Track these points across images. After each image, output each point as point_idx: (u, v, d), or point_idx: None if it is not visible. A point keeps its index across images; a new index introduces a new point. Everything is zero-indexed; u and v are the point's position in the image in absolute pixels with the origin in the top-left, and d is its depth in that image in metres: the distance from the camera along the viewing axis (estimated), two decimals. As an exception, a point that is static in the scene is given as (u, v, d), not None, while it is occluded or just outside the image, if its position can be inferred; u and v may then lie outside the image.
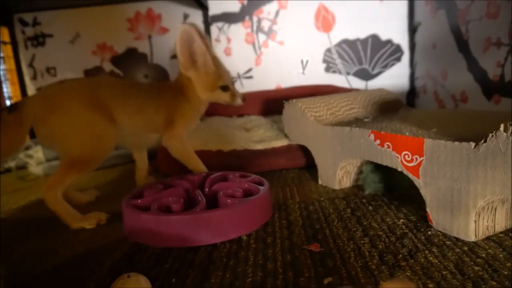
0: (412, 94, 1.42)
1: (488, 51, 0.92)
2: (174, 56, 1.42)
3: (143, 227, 0.53)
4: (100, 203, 0.78)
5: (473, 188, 0.43)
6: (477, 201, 0.43)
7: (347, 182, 0.73)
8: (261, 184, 0.63)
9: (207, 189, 0.64)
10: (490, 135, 0.40)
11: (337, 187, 0.72)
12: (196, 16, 1.39)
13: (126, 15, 1.40)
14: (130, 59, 1.43)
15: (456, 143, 0.44)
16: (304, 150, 0.88)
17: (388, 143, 0.56)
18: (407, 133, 0.53)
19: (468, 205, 0.44)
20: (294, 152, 0.91)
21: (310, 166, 0.90)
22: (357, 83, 1.43)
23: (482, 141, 0.41)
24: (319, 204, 0.64)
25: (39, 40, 1.43)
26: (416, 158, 0.50)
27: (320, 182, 0.78)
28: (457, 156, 0.44)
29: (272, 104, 1.24)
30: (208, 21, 1.38)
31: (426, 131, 0.54)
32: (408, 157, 0.52)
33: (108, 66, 1.44)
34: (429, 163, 0.48)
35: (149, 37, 1.41)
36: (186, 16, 1.39)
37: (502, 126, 0.38)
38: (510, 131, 0.38)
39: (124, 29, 1.41)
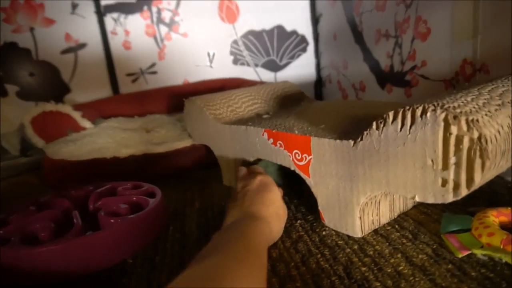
0: (319, 83, 1.46)
1: (379, 42, 0.96)
2: (65, 51, 1.27)
3: (4, 264, 0.44)
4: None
5: (355, 186, 0.43)
6: (360, 198, 0.43)
7: (250, 181, 0.71)
8: (154, 195, 0.57)
9: (91, 207, 0.57)
10: (365, 132, 0.39)
11: (240, 187, 0.69)
12: (87, 6, 1.24)
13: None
14: (9, 55, 1.24)
15: (338, 141, 0.43)
16: (209, 150, 0.84)
17: (280, 141, 0.54)
18: (296, 131, 0.51)
19: (353, 203, 0.44)
20: (199, 152, 0.86)
21: (216, 166, 0.86)
22: (266, 75, 1.42)
23: (359, 139, 0.40)
24: (218, 210, 0.60)
25: None
26: (306, 157, 0.49)
27: (224, 182, 0.74)
28: (339, 154, 0.44)
29: (178, 100, 1.16)
30: (101, 12, 1.25)
31: (315, 127, 0.53)
32: (298, 155, 0.50)
33: (-18, 65, 1.23)
34: (317, 162, 0.47)
35: (31, 29, 1.23)
36: (75, 6, 1.23)
37: (374, 123, 0.38)
38: (381, 129, 0.37)
39: (-1, 21, 1.21)
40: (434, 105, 0.34)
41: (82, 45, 1.27)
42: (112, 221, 0.49)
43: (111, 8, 1.26)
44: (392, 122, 0.36)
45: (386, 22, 0.91)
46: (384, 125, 0.37)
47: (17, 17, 1.21)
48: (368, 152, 0.40)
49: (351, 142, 0.42)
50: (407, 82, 0.86)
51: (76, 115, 0.91)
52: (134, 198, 0.56)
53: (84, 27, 1.26)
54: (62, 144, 0.85)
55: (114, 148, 0.82)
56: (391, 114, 0.37)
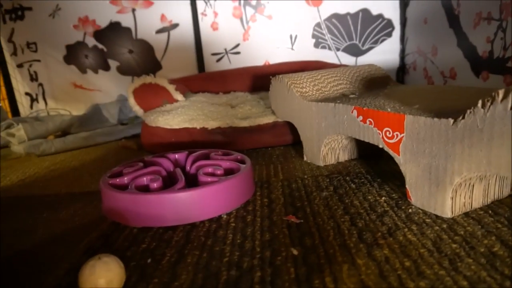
0: (402, 70, 1.40)
1: (478, 26, 0.90)
2: (159, 31, 1.38)
3: (121, 207, 0.52)
4: (83, 180, 0.77)
5: (450, 165, 0.43)
6: (454, 178, 0.42)
7: (332, 159, 0.73)
8: (243, 162, 0.62)
9: (188, 168, 0.63)
10: (468, 111, 0.39)
11: (321, 163, 0.72)
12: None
13: (108, -13, 1.34)
14: (113, 33, 1.39)
15: (435, 119, 0.43)
16: (291, 127, 0.87)
17: (370, 119, 0.55)
18: (389, 109, 0.51)
19: (445, 182, 0.44)
20: (280, 129, 0.90)
21: (296, 143, 0.89)
22: (347, 59, 1.40)
23: (460, 117, 0.40)
24: (302, 182, 0.63)
25: (17, 13, 1.37)
26: (397, 135, 0.50)
27: (305, 159, 0.77)
28: (436, 133, 0.43)
29: (260, 80, 1.22)
30: (193, -5, 1.34)
31: (408, 107, 0.53)
32: (389, 133, 0.51)
33: (91, 41, 1.39)
34: (409, 140, 0.48)
35: (133, 10, 1.36)
36: (170, -12, 1.33)
37: (479, 102, 0.37)
38: (488, 107, 0.37)
39: (106, 2, 1.36)
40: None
41: (175, 25, 1.37)
42: (209, 179, 0.54)
43: (203, -10, 1.34)
44: (502, 100, 0.36)
45: (489, 4, 0.85)
46: (491, 103, 0.37)
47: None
48: (469, 131, 0.39)
49: (451, 120, 0.41)
50: (509, 69, 0.79)
51: (171, 88, 0.99)
52: (228, 163, 0.61)
53: (178, 9, 1.35)
54: (158, 113, 0.94)
55: (203, 120, 0.89)
56: (501, 92, 0.36)
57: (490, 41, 0.85)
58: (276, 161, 0.78)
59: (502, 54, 0.81)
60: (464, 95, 0.59)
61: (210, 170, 0.58)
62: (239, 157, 0.65)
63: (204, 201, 0.51)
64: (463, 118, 0.40)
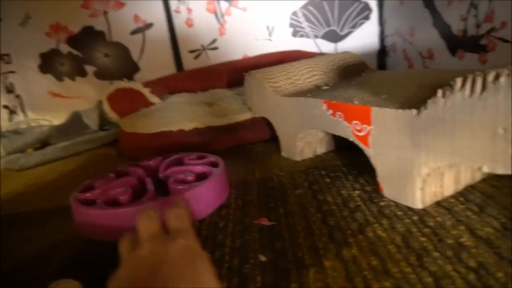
0: (382, 53, 1.39)
1: (451, 5, 0.88)
2: (134, 32, 1.35)
3: (92, 222, 0.51)
4: (61, 194, 0.75)
5: (417, 156, 0.42)
6: (422, 169, 0.42)
7: (309, 153, 0.72)
8: (217, 165, 0.61)
9: (161, 174, 0.62)
10: (429, 101, 0.38)
11: (298, 158, 0.71)
12: (152, -13, 1.30)
13: (78, -10, 1.31)
14: (87, 38, 1.35)
15: (400, 110, 0.42)
16: (269, 122, 0.86)
17: (339, 112, 0.53)
18: (356, 102, 0.50)
19: (413, 173, 0.43)
20: (259, 125, 0.89)
21: (275, 138, 0.88)
22: (327, 46, 1.38)
23: (423, 108, 0.39)
24: (278, 180, 0.62)
25: (-14, 25, 1.33)
26: (365, 127, 0.49)
27: (283, 154, 0.76)
28: (402, 124, 0.42)
29: (239, 75, 1.18)
30: (165, -9, 1.30)
31: (377, 97, 0.52)
32: (358, 126, 0.50)
33: (65, 48, 1.36)
34: (377, 132, 0.47)
35: (105, 13, 1.33)
36: (142, -12, 1.30)
37: (439, 91, 0.36)
38: (448, 96, 0.36)
39: (78, 6, 1.32)
40: (508, 69, 0.31)
41: (149, 25, 1.34)
42: (180, 187, 0.53)
43: (174, -13, 1.30)
44: (460, 88, 0.35)
45: (461, -19, 0.83)
46: (451, 93, 0.35)
47: (93, 3, 1.31)
48: (432, 121, 0.38)
49: (414, 111, 0.40)
50: (483, 47, 0.78)
51: (146, 92, 0.98)
52: (199, 168, 0.60)
53: (151, 8, 1.32)
54: (135, 118, 0.92)
55: (180, 122, 0.87)
56: (459, 80, 0.35)
57: (463, 19, 0.84)
58: (254, 159, 0.77)
59: (475, 32, 0.80)
60: (435, 79, 0.57)
61: (181, 177, 0.57)
62: (213, 159, 0.64)
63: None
64: (426, 108, 0.39)
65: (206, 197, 0.53)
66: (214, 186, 0.55)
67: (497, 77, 0.31)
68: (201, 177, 0.57)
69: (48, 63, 1.38)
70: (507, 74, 0.31)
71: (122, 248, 0.36)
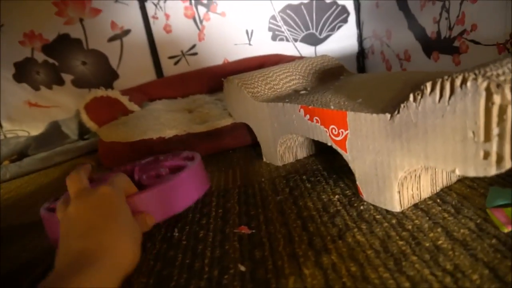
0: (361, 55, 1.41)
1: (424, 7, 0.90)
2: (111, 39, 1.33)
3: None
4: (37, 207, 0.73)
5: (392, 161, 0.42)
6: (398, 172, 0.42)
7: (290, 157, 0.72)
8: (193, 159, 0.60)
9: (137, 177, 0.61)
10: (402, 105, 0.38)
11: (280, 163, 0.71)
12: (129, -7, 1.29)
13: (52, -3, 1.28)
14: (63, 46, 1.33)
15: (374, 115, 0.42)
16: (250, 128, 0.85)
17: (316, 117, 0.54)
18: (332, 107, 0.50)
19: (391, 177, 0.43)
20: (240, 131, 0.88)
21: (257, 144, 0.88)
22: (306, 49, 1.40)
23: (396, 112, 0.39)
24: (259, 186, 0.62)
25: (-44, 35, 1.29)
26: (342, 132, 0.49)
27: (264, 159, 0.76)
28: (376, 129, 0.43)
29: (219, 80, 1.19)
30: (142, -2, 1.29)
31: (352, 102, 0.52)
32: (335, 131, 0.50)
33: (40, 57, 1.33)
34: (354, 137, 0.47)
35: (81, 20, 1.31)
36: (117, -5, 1.28)
37: (411, 95, 0.37)
38: (419, 100, 0.36)
39: (52, 14, 1.29)
40: (475, 73, 0.32)
41: (127, 32, 1.33)
42: (152, 181, 0.52)
43: (150, -7, 1.29)
44: (430, 93, 0.35)
45: (433, -16, 0.85)
46: (421, 97, 0.36)
47: (68, 10, 1.29)
48: (405, 125, 0.39)
49: (388, 115, 0.41)
50: (456, 49, 0.80)
51: (124, 100, 0.96)
52: (173, 162, 0.58)
53: (128, 14, 1.31)
54: (113, 127, 0.90)
55: (160, 129, 0.86)
56: (428, 85, 0.35)
57: (436, 21, 0.86)
58: (235, 165, 0.77)
59: (448, 34, 0.82)
60: (410, 82, 0.58)
61: (153, 173, 0.55)
62: (188, 155, 0.62)
63: (148, 207, 0.48)
64: (398, 112, 0.39)
65: (182, 189, 0.52)
66: (189, 178, 0.54)
67: (464, 81, 0.32)
68: (176, 171, 0.56)
69: (23, 72, 1.35)
70: (473, 78, 0.31)
71: (58, 213, 0.42)
